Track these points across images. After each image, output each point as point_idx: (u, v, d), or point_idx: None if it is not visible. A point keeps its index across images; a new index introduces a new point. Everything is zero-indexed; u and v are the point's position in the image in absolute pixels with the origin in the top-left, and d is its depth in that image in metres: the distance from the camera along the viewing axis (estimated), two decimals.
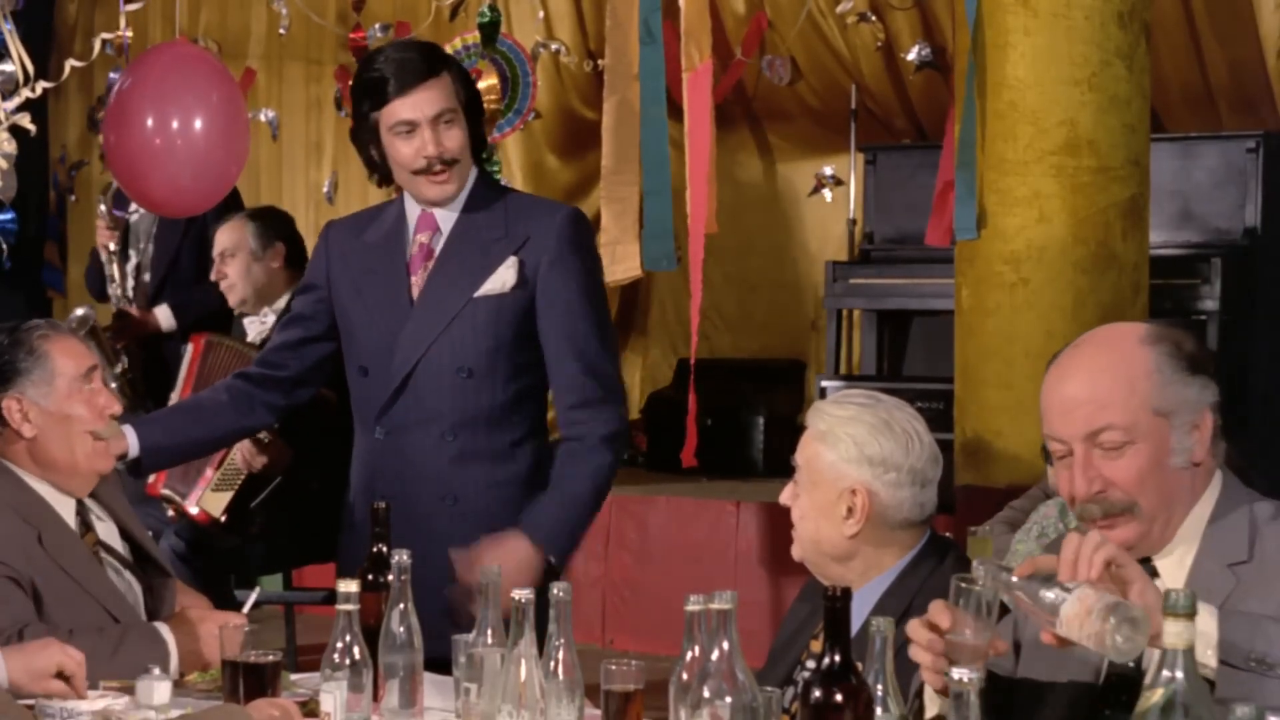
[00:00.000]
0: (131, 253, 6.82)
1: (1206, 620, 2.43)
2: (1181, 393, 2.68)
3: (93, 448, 3.55)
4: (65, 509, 3.55)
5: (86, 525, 3.58)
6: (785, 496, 3.21)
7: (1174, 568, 2.71)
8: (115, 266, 6.73)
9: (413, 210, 3.94)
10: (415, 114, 3.82)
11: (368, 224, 4.03)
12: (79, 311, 6.54)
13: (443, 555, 3.72)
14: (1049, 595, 2.44)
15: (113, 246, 6.72)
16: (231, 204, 6.60)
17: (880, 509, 3.08)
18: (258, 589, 3.66)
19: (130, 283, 6.75)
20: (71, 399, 3.52)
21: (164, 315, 6.63)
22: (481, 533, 3.81)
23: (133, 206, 6.72)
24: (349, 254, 3.98)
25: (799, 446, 3.18)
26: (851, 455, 3.07)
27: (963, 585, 2.55)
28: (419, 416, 3.87)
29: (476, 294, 3.85)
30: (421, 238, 3.92)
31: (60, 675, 3.07)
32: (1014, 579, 2.49)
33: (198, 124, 4.86)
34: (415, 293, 3.89)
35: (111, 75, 6.82)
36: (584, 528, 3.90)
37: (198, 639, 3.44)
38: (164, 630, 3.44)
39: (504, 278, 3.86)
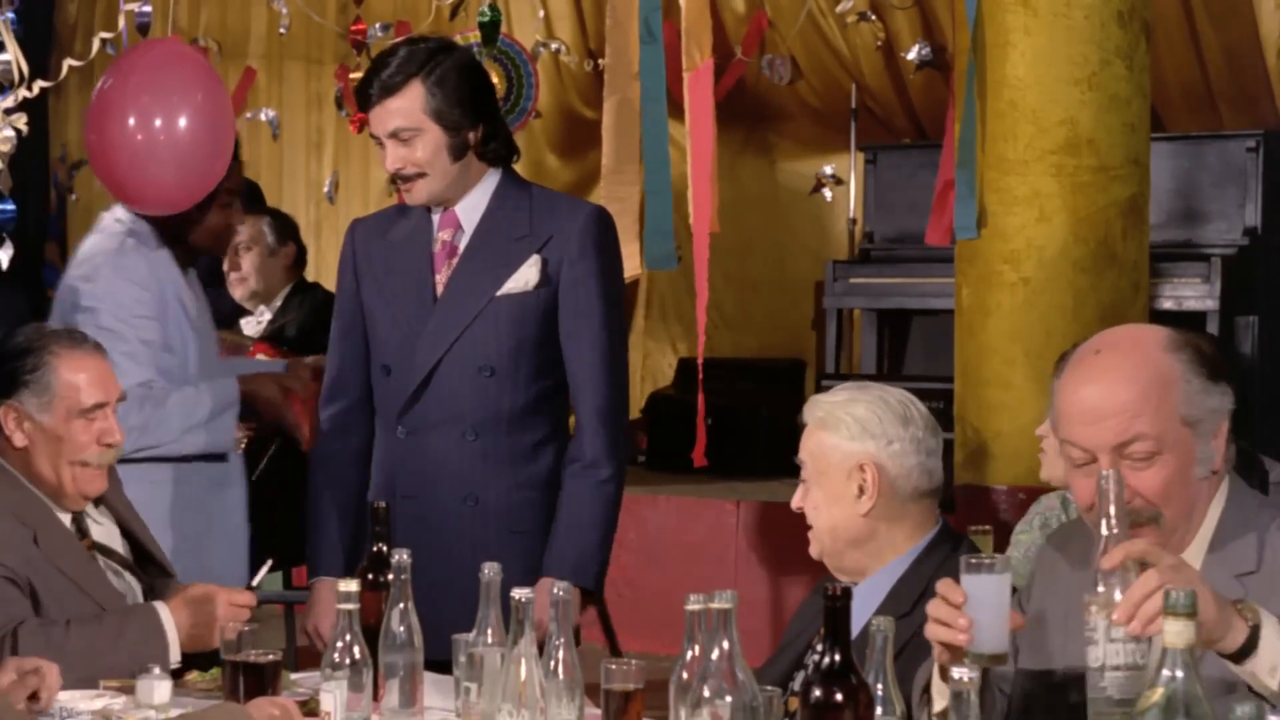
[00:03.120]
0: None
1: (1274, 640, 2.40)
2: (1206, 401, 2.66)
3: (79, 474, 3.49)
4: (62, 511, 3.54)
5: (81, 530, 3.56)
6: (796, 499, 3.23)
7: None
8: None
9: (436, 208, 3.94)
10: (377, 130, 3.85)
11: (392, 223, 4.01)
12: None
13: (462, 555, 3.72)
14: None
15: None
16: (256, 203, 6.60)
17: (890, 481, 3.12)
18: (269, 562, 3.61)
19: None
20: (68, 423, 3.47)
21: None
22: (502, 533, 3.82)
23: None
24: (373, 252, 3.97)
25: (801, 442, 3.22)
26: (854, 433, 3.13)
27: (973, 561, 2.52)
28: (440, 416, 3.86)
29: (499, 292, 3.84)
30: (444, 235, 3.91)
31: (32, 696, 3.01)
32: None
33: (181, 121, 4.84)
34: (439, 291, 3.89)
35: None
36: (605, 546, 3.88)
37: (202, 618, 3.41)
38: (163, 613, 3.41)
39: (526, 276, 3.85)
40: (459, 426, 3.85)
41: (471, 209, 3.91)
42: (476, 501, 3.84)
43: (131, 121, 4.69)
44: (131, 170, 4.74)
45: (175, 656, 3.40)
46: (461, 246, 3.90)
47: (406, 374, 3.87)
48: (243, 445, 5.26)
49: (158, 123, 4.66)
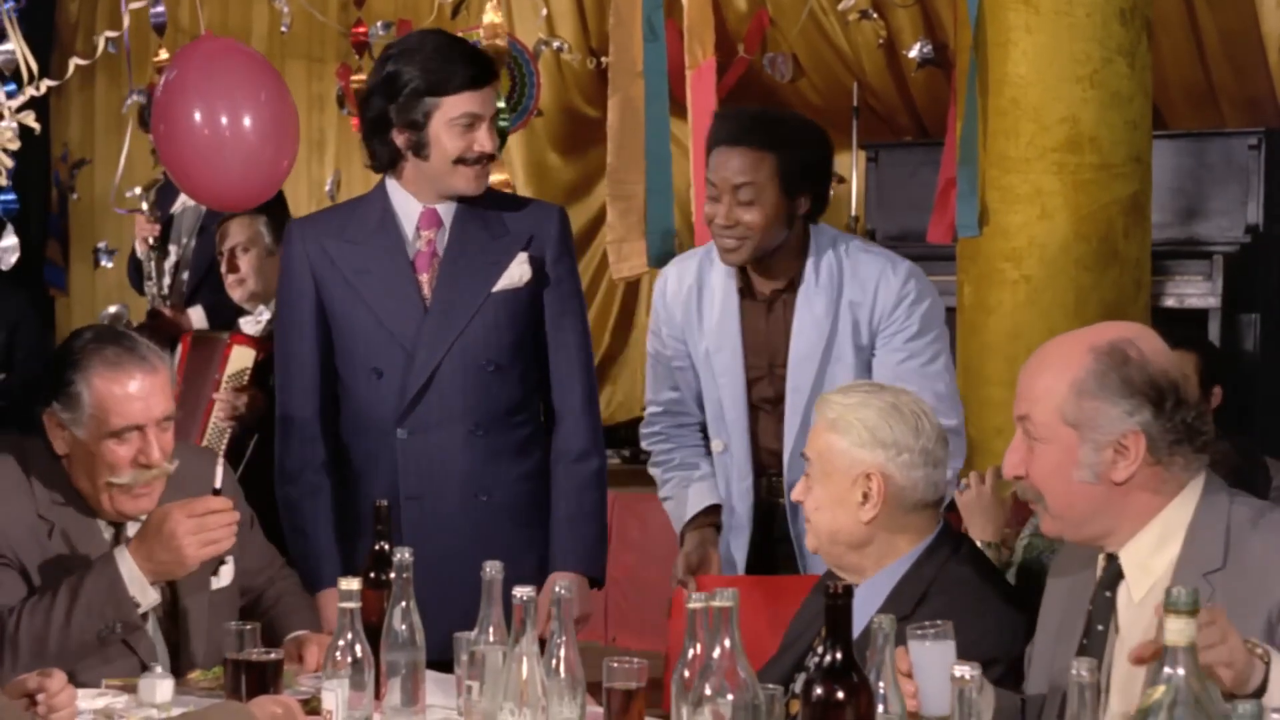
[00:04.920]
0: (171, 249, 6.74)
1: None
2: (1098, 409, 2.72)
3: (115, 495, 3.39)
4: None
5: (119, 534, 3.48)
6: (797, 492, 3.24)
7: (1138, 571, 2.75)
8: (153, 263, 6.64)
9: (407, 206, 3.94)
10: (483, 109, 3.89)
11: (345, 222, 3.99)
12: (111, 309, 6.49)
13: (475, 552, 3.71)
14: None
15: (151, 241, 6.62)
16: (279, 207, 6.56)
17: (896, 491, 3.11)
18: (222, 463, 3.50)
19: (167, 280, 6.67)
20: (99, 442, 3.37)
21: (197, 316, 6.54)
22: (510, 527, 3.89)
23: (177, 204, 6.64)
24: (333, 254, 3.94)
25: (809, 439, 3.22)
26: (864, 440, 3.11)
27: (916, 631, 2.60)
28: (444, 414, 3.88)
29: (494, 289, 3.90)
30: (427, 234, 3.93)
31: (30, 697, 2.94)
32: None
33: (246, 120, 4.88)
34: (426, 291, 3.90)
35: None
36: (605, 534, 3.99)
37: (164, 542, 3.30)
38: (121, 558, 3.31)
39: (519, 273, 3.92)
40: (465, 424, 3.88)
41: (449, 207, 3.95)
42: (488, 496, 3.89)
43: (198, 117, 4.74)
44: (198, 166, 4.79)
45: (149, 598, 3.33)
46: (441, 245, 3.93)
47: (405, 376, 3.87)
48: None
49: (224, 120, 4.72)
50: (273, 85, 5.06)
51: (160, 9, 5.64)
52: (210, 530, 3.30)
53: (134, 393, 3.37)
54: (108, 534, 3.46)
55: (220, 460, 3.47)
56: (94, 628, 3.26)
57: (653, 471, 4.30)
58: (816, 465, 3.18)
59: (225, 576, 3.50)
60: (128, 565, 3.31)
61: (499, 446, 3.91)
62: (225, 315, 6.31)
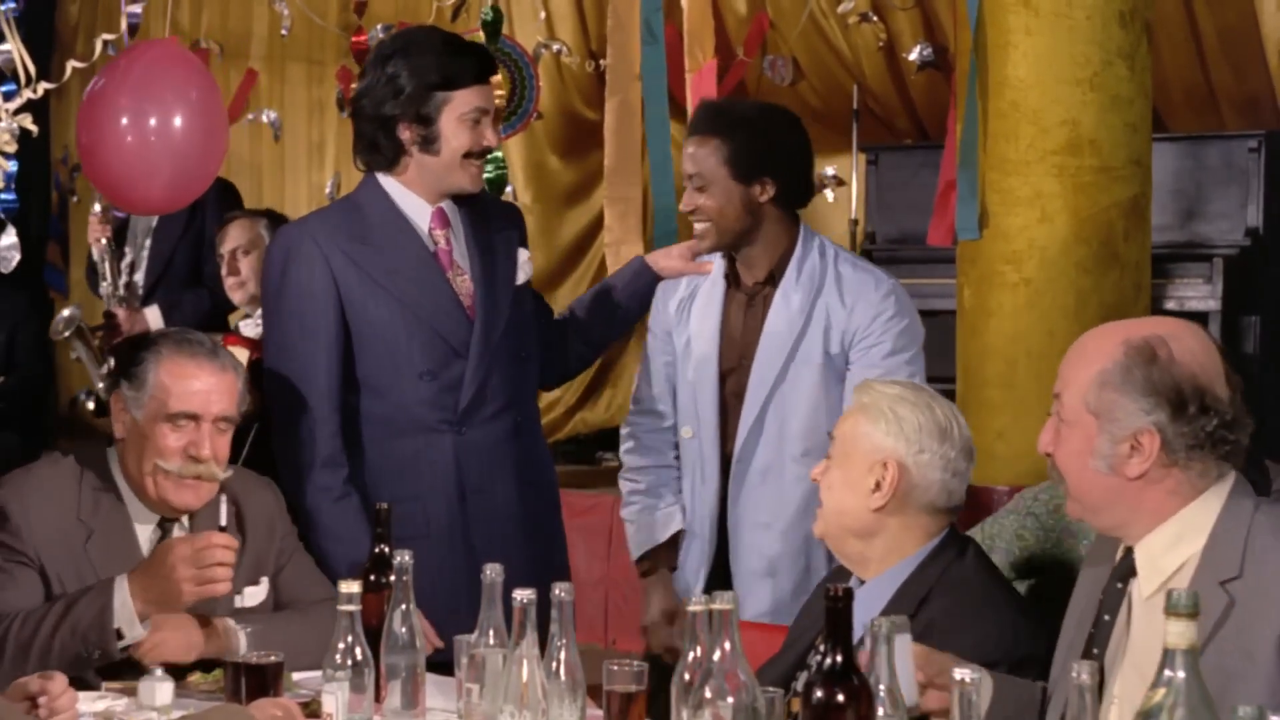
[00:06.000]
0: (127, 250, 6.73)
1: None
2: (1116, 402, 2.73)
3: (160, 480, 3.42)
4: (144, 521, 3.48)
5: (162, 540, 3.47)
6: (817, 471, 3.27)
7: (1149, 567, 2.75)
8: (107, 264, 6.61)
9: (417, 206, 3.95)
10: (489, 104, 3.96)
11: (351, 223, 3.96)
12: (66, 311, 6.48)
13: (530, 538, 3.92)
14: None
15: (104, 241, 6.59)
16: (232, 203, 6.58)
17: (908, 486, 3.13)
18: (227, 504, 3.48)
19: (123, 280, 6.65)
20: (154, 424, 3.43)
21: (154, 316, 6.53)
22: (552, 510, 4.07)
23: None
24: (356, 257, 3.91)
25: (840, 419, 3.24)
26: (891, 430, 3.14)
27: (874, 626, 2.56)
28: (497, 408, 3.97)
29: (517, 283, 4.04)
30: (442, 234, 3.98)
31: (32, 700, 2.93)
32: None
33: (177, 121, 4.78)
34: (457, 289, 3.95)
35: None
36: None
37: (162, 574, 3.28)
38: (119, 586, 3.29)
39: (529, 268, 4.09)
40: (514, 414, 4.00)
41: (449, 206, 4.02)
42: (533, 483, 4.02)
43: (124, 122, 4.66)
44: (121, 171, 4.72)
45: (135, 633, 3.29)
46: (461, 243, 3.99)
47: (461, 376, 3.92)
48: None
49: (151, 123, 4.65)
50: (201, 84, 4.95)
51: (137, 9, 5.62)
52: (207, 569, 3.28)
53: (198, 382, 3.46)
54: (147, 545, 3.45)
55: (224, 499, 3.43)
56: (74, 649, 3.25)
57: (621, 484, 4.33)
58: (839, 446, 3.21)
59: (252, 598, 3.51)
60: (122, 595, 3.28)
61: (534, 434, 4.07)
62: (183, 315, 6.32)
